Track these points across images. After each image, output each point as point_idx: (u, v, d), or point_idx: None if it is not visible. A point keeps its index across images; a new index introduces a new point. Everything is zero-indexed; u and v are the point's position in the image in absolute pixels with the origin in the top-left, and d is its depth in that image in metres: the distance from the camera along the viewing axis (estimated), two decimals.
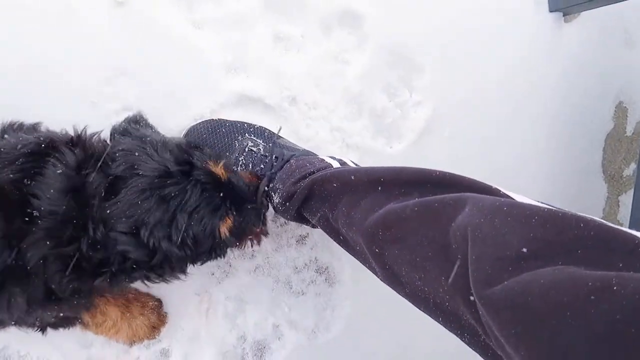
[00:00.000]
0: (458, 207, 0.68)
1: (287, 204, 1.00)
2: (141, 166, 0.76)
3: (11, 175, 0.72)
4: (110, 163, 0.77)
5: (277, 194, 1.02)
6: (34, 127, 0.92)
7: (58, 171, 0.74)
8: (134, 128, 0.87)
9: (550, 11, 1.50)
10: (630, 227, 0.54)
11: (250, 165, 1.07)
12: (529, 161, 1.55)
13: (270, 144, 1.11)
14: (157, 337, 1.16)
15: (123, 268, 0.75)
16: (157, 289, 1.16)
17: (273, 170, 1.04)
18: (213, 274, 1.24)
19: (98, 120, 0.93)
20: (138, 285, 0.95)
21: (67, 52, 1.11)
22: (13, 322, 0.87)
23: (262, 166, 1.07)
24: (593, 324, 0.46)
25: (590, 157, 1.69)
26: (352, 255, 0.95)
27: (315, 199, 0.96)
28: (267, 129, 1.16)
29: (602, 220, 0.56)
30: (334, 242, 0.98)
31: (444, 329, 0.72)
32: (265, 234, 1.04)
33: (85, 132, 0.85)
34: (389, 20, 1.32)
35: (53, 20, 1.09)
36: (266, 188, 1.04)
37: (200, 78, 1.19)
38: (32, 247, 0.72)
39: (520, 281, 0.53)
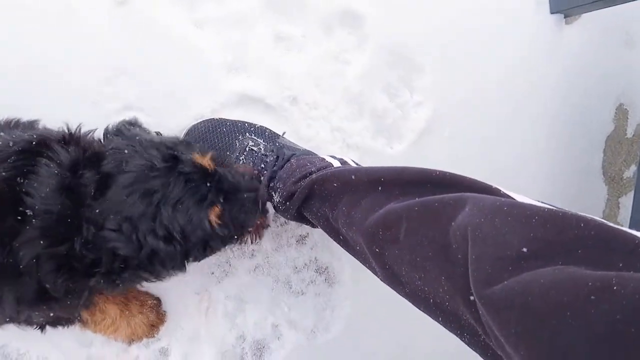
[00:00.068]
0: (458, 207, 0.68)
1: (288, 203, 1.00)
2: (128, 163, 0.76)
3: (3, 173, 0.72)
4: (101, 162, 0.77)
5: (277, 193, 1.02)
6: (32, 125, 0.92)
7: (52, 170, 0.73)
8: (126, 128, 0.87)
9: (552, 13, 1.50)
10: (630, 229, 0.54)
11: (251, 164, 1.07)
12: (529, 161, 1.55)
13: (271, 144, 1.11)
14: (156, 335, 1.16)
15: (111, 268, 0.75)
16: (156, 287, 1.16)
17: (274, 169, 1.05)
18: (213, 273, 1.24)
19: (98, 120, 0.92)
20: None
21: (67, 52, 1.10)
22: (7, 320, 0.86)
23: (262, 165, 1.07)
24: (593, 324, 0.46)
25: (590, 158, 1.69)
26: (352, 255, 0.95)
27: (316, 199, 0.96)
28: (267, 129, 1.16)
29: (602, 220, 0.56)
30: (334, 242, 0.98)
31: (444, 329, 0.72)
32: (266, 225, 1.02)
33: (79, 130, 0.84)
34: (389, 20, 1.32)
35: (53, 20, 1.09)
36: (267, 187, 1.04)
37: (201, 78, 1.19)
38: (25, 245, 0.71)
39: (521, 281, 0.53)
